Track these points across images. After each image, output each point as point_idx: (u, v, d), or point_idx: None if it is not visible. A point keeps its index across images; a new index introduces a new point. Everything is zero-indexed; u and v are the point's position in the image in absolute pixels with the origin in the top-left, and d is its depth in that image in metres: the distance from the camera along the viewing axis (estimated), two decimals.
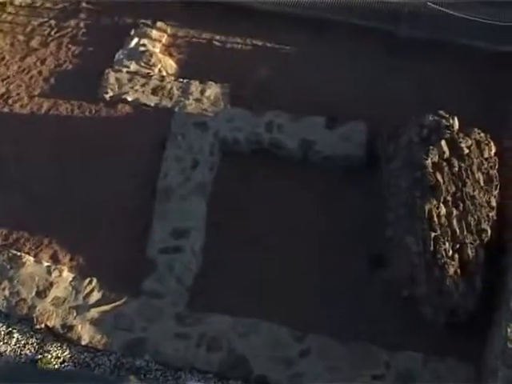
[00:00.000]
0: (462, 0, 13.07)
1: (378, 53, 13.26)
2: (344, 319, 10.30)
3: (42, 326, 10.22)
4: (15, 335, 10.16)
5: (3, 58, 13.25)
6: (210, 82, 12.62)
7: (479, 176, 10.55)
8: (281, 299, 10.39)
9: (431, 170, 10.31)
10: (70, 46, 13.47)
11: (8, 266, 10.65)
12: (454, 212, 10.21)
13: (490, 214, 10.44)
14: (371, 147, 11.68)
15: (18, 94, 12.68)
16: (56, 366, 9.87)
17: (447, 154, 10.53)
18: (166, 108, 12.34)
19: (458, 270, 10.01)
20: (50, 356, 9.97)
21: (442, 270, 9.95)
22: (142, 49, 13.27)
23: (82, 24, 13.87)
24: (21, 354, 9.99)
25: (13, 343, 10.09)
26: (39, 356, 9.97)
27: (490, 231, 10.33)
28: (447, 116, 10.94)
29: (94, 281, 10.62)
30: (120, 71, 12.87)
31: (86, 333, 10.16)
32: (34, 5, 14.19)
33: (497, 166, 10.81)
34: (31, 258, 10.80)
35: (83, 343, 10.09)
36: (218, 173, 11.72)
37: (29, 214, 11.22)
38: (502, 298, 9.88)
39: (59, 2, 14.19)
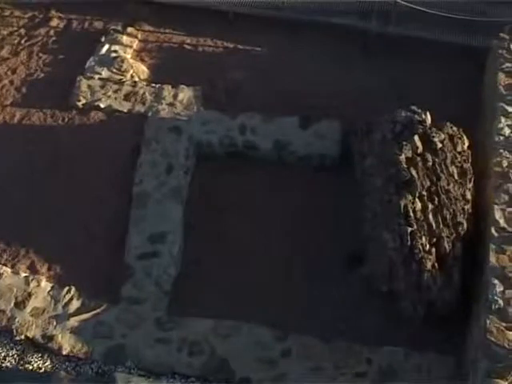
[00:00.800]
0: None
1: (351, 51, 13.38)
2: (324, 318, 10.33)
3: (22, 337, 10.15)
4: None
5: None
6: (183, 86, 12.62)
7: (453, 170, 10.61)
8: (260, 300, 10.40)
9: (405, 166, 10.36)
10: (40, 54, 13.42)
11: None
12: (430, 206, 10.26)
13: (466, 207, 10.50)
14: (345, 145, 11.72)
15: None
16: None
17: (421, 149, 10.58)
18: (139, 113, 12.32)
19: (436, 264, 10.07)
20: (31, 367, 9.90)
21: (419, 265, 10.00)
22: (113, 55, 13.25)
23: (52, 32, 13.82)
24: (1, 367, 9.90)
25: None
26: (20, 368, 9.90)
27: (465, 224, 10.39)
28: (419, 111, 11.00)
29: (73, 289, 10.57)
30: (92, 78, 12.84)
31: (66, 342, 10.11)
32: (2, 14, 14.14)
33: (470, 160, 10.88)
34: (8, 270, 10.73)
35: (64, 353, 10.04)
36: (193, 176, 11.73)
37: (4, 224, 11.14)
38: (480, 289, 9.94)
39: (28, 11, 14.15)
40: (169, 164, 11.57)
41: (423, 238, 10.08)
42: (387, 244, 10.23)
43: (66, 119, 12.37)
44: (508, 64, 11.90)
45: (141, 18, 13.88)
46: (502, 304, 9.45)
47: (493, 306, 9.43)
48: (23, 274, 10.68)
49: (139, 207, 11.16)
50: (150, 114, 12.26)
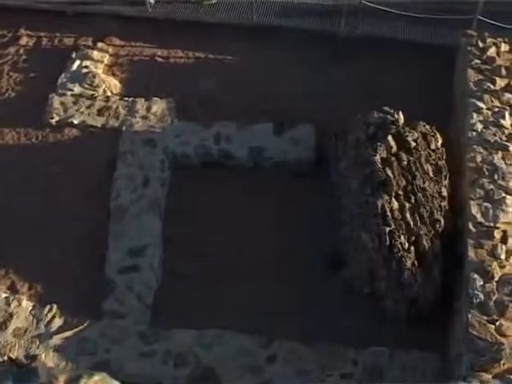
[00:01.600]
0: None
1: (321, 55, 13.43)
2: (308, 321, 10.34)
3: (5, 358, 10.07)
4: None
5: None
6: (156, 99, 12.63)
7: (428, 168, 10.68)
8: (243, 308, 10.41)
9: (380, 166, 10.42)
10: (11, 73, 13.39)
11: None
12: (407, 205, 10.32)
13: (442, 204, 10.57)
14: (320, 149, 11.77)
15: None
16: None
17: (395, 148, 10.65)
18: (113, 128, 12.32)
19: (416, 262, 10.12)
20: None
21: (399, 264, 10.05)
22: (84, 71, 13.24)
23: (21, 51, 13.79)
24: None
25: None
26: None
27: (443, 221, 10.47)
28: (392, 111, 11.07)
29: (55, 307, 10.51)
30: (64, 95, 12.82)
31: (50, 361, 10.05)
32: None
33: (444, 157, 10.95)
34: None
35: None
36: (170, 188, 11.73)
37: None
38: (461, 285, 10.02)
39: None
40: (145, 177, 11.57)
41: (402, 237, 10.14)
42: (366, 245, 10.28)
43: (40, 137, 12.35)
44: (477, 60, 12.01)
45: (111, 32, 13.88)
46: (482, 298, 9.55)
47: (474, 301, 9.54)
48: (3, 295, 10.60)
49: (117, 221, 11.14)
50: (124, 127, 12.25)
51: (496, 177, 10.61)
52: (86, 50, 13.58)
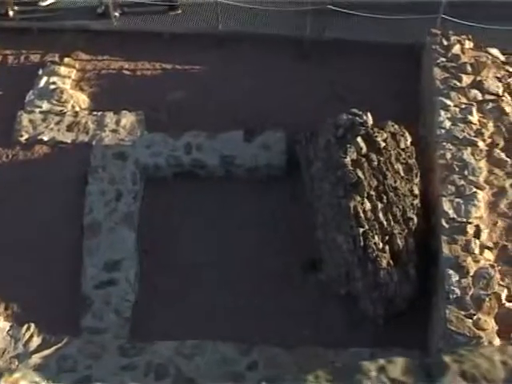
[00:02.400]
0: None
1: (289, 60, 13.45)
2: (287, 326, 10.35)
3: None
4: None
5: None
6: (125, 112, 12.60)
7: (398, 167, 10.74)
8: (221, 316, 10.42)
9: (351, 168, 10.46)
10: None
11: None
12: (379, 205, 10.37)
13: (414, 202, 10.64)
14: (291, 153, 11.81)
15: None
16: None
17: (365, 149, 10.69)
18: (83, 143, 12.26)
19: (391, 261, 10.17)
20: None
21: (374, 264, 10.09)
22: (52, 87, 13.17)
23: None
24: None
25: None
26: None
27: (416, 219, 10.53)
28: (360, 113, 11.10)
29: (32, 326, 10.39)
30: (33, 112, 12.75)
31: (30, 381, 9.94)
32: None
33: (414, 155, 11.02)
34: None
35: None
36: (143, 200, 11.72)
37: None
38: (437, 281, 10.09)
39: None
40: (117, 191, 11.54)
41: (376, 237, 10.18)
42: (341, 247, 10.32)
43: (10, 156, 12.28)
44: (442, 58, 12.13)
45: (77, 47, 13.83)
46: (459, 293, 9.62)
47: (450, 296, 9.60)
48: None
49: (92, 237, 11.10)
50: (94, 142, 12.21)
51: (466, 172, 10.71)
52: (52, 66, 13.51)
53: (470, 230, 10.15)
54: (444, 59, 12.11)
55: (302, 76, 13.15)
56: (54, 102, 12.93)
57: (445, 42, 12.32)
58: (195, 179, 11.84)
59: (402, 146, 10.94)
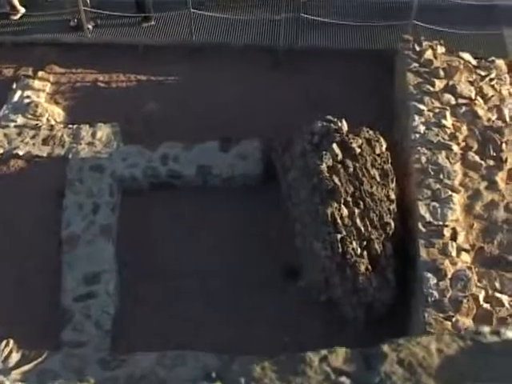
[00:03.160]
0: None
1: (262, 70, 13.52)
2: (268, 335, 10.36)
3: None
4: None
5: None
6: (100, 124, 12.56)
7: (374, 172, 10.82)
8: (202, 326, 10.42)
9: (327, 175, 10.52)
10: None
11: None
12: (356, 211, 10.43)
13: (391, 207, 10.71)
14: (268, 162, 11.85)
15: None
16: None
17: (340, 156, 10.76)
18: (59, 156, 12.20)
19: (369, 266, 10.23)
20: None
21: (353, 269, 10.15)
22: (26, 101, 13.13)
23: None
24: None
25: None
26: None
27: (393, 223, 10.61)
28: (335, 120, 11.18)
29: (11, 342, 10.29)
30: (7, 127, 12.69)
31: None
32: None
33: (390, 160, 11.10)
34: None
35: None
36: (120, 212, 11.69)
37: None
38: (415, 284, 10.16)
39: None
40: (95, 203, 11.51)
41: (354, 243, 10.24)
42: (320, 253, 10.35)
43: None
44: (415, 64, 12.23)
45: (51, 60, 13.80)
46: (437, 296, 9.71)
47: (429, 299, 9.69)
48: None
49: (70, 250, 11.04)
50: (70, 155, 12.15)
51: (441, 176, 10.80)
52: (26, 80, 13.48)
53: (447, 232, 10.25)
54: (417, 64, 12.22)
55: (277, 84, 13.23)
56: (29, 115, 12.89)
57: (417, 48, 12.43)
58: (172, 190, 11.84)
59: (378, 151, 11.02)
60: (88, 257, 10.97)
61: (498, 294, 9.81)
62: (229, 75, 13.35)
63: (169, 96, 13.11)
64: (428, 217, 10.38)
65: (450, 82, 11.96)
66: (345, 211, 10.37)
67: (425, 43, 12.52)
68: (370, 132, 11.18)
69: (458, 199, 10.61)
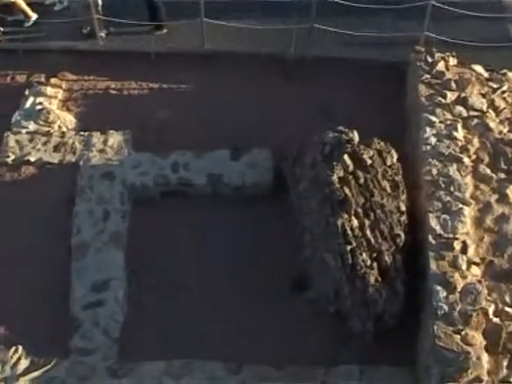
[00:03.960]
0: None
1: (274, 78, 13.47)
2: (275, 344, 10.36)
3: None
4: None
5: None
6: (112, 131, 12.57)
7: (385, 184, 10.79)
8: (210, 336, 10.41)
9: (338, 186, 10.51)
10: None
11: None
12: (366, 222, 10.42)
13: (401, 219, 10.68)
14: (278, 172, 11.84)
15: None
16: None
17: (351, 167, 10.75)
18: (70, 163, 12.23)
19: (379, 278, 10.20)
20: None
21: (363, 281, 10.13)
22: (38, 107, 13.15)
23: None
24: None
25: None
26: None
27: (403, 235, 10.57)
28: (346, 131, 11.18)
29: (20, 349, 10.39)
30: (19, 133, 12.71)
31: None
32: None
33: (401, 172, 11.07)
34: None
35: None
36: (131, 220, 11.69)
37: None
38: (425, 297, 10.12)
39: None
40: (105, 211, 11.53)
41: (363, 254, 10.22)
42: (329, 264, 10.34)
43: None
44: (427, 75, 12.22)
45: (63, 67, 13.81)
46: (446, 309, 9.67)
47: (438, 312, 9.66)
48: None
49: (80, 257, 11.07)
50: (81, 162, 12.18)
51: (452, 188, 10.77)
52: (39, 87, 13.49)
53: (457, 245, 10.22)
54: (429, 76, 12.20)
55: (288, 94, 13.19)
56: (41, 122, 12.91)
57: (429, 59, 12.42)
58: (183, 198, 11.84)
59: (389, 163, 11.00)
60: (97, 264, 10.99)
61: (507, 308, 9.78)
62: (240, 84, 13.31)
63: (180, 104, 13.09)
64: (438, 229, 10.35)
65: (462, 94, 11.93)
66: (355, 222, 10.35)
67: (437, 55, 12.50)
68: (382, 143, 11.17)
69: (469, 212, 10.58)
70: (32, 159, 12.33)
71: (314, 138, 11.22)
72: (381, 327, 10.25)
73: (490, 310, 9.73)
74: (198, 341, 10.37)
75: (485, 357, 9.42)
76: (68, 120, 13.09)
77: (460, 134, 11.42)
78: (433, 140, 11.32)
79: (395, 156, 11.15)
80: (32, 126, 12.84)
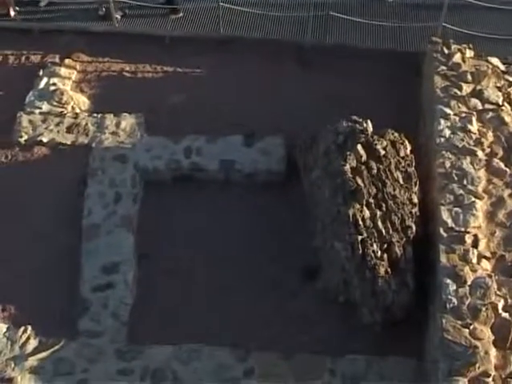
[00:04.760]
0: None
1: (288, 65, 13.45)
2: (284, 332, 10.38)
3: None
4: None
5: None
6: (125, 114, 12.58)
7: (398, 175, 10.75)
8: (219, 322, 10.44)
9: (351, 175, 10.46)
10: None
11: None
12: (378, 213, 10.38)
13: (413, 211, 10.64)
14: (291, 159, 11.82)
15: None
16: None
17: (364, 157, 10.70)
18: (83, 145, 12.25)
19: (389, 269, 10.18)
20: None
21: (372, 272, 10.10)
22: (52, 88, 13.13)
23: None
24: None
25: None
26: None
27: (414, 227, 10.53)
28: (360, 120, 11.12)
29: (29, 329, 10.44)
30: (32, 113, 12.72)
31: (26, 383, 9.96)
32: None
33: (414, 163, 11.03)
34: None
35: None
36: (142, 203, 11.70)
37: None
38: (434, 290, 10.11)
39: None
40: (116, 193, 11.55)
41: (374, 245, 10.20)
42: (339, 254, 10.32)
43: (9, 156, 12.27)
44: (443, 67, 12.11)
45: (78, 48, 13.79)
46: (456, 302, 9.64)
47: (447, 306, 9.63)
48: None
49: (90, 239, 11.10)
50: (93, 144, 12.20)
51: (465, 182, 10.72)
52: (53, 67, 13.47)
53: (468, 239, 10.18)
54: (444, 67, 12.09)
55: (303, 81, 13.15)
56: (54, 103, 12.90)
57: (445, 51, 12.31)
58: (194, 183, 11.85)
59: (402, 154, 10.95)
60: (107, 247, 11.01)
61: None
62: (255, 70, 13.27)
63: (194, 88, 13.06)
64: (450, 222, 10.31)
65: (478, 87, 11.85)
66: (367, 213, 10.32)
67: (453, 46, 12.40)
68: (395, 134, 11.10)
69: (481, 206, 10.54)
70: (45, 140, 12.35)
71: (327, 127, 11.16)
72: (390, 318, 10.24)
73: (500, 305, 9.69)
74: (206, 326, 10.39)
75: (493, 352, 9.38)
76: (81, 101, 13.08)
77: (474, 127, 11.35)
78: (447, 132, 11.25)
79: (409, 147, 11.09)
80: (45, 107, 12.84)
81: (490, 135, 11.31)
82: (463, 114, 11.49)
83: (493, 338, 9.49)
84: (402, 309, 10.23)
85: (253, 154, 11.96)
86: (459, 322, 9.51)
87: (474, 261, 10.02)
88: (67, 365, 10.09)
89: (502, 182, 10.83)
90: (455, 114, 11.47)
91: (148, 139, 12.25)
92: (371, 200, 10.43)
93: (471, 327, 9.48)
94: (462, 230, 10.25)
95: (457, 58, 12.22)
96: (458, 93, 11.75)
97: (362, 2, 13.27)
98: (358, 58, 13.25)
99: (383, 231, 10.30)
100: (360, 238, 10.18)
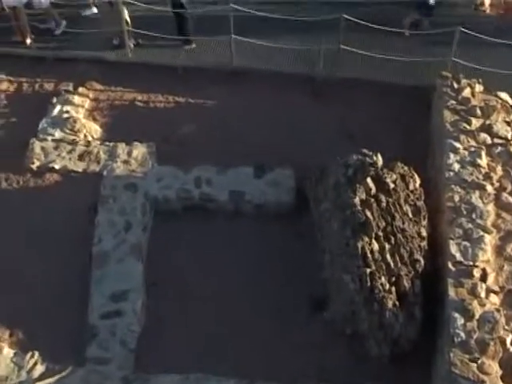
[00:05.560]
0: None
1: (300, 97, 13.54)
2: (291, 363, 10.37)
3: None
4: None
5: None
6: (136, 143, 12.70)
7: (407, 208, 10.80)
8: (225, 351, 10.45)
9: (360, 208, 10.52)
10: None
11: None
12: (387, 246, 10.42)
13: (422, 244, 10.68)
14: (300, 191, 11.88)
15: None
16: None
17: (374, 190, 10.77)
18: (94, 172, 12.36)
19: (397, 302, 10.19)
20: None
21: (380, 304, 10.12)
22: (65, 116, 13.29)
23: (2, 96, 13.86)
24: None
25: None
26: None
27: (423, 261, 10.56)
28: (370, 153, 11.20)
29: (36, 354, 10.46)
30: (45, 140, 12.86)
31: None
32: None
33: (423, 197, 11.08)
34: None
35: None
36: (151, 232, 11.78)
37: None
38: (442, 323, 10.10)
39: None
40: (127, 221, 11.62)
41: (382, 278, 10.22)
42: (348, 286, 10.34)
43: (21, 182, 12.38)
44: (452, 101, 12.24)
45: (91, 77, 13.97)
46: (463, 337, 9.64)
47: (455, 340, 9.63)
48: None
49: (99, 267, 11.15)
50: (105, 172, 12.30)
51: (474, 216, 10.77)
52: (66, 95, 13.65)
53: (477, 273, 10.19)
54: (454, 102, 12.22)
55: (313, 113, 13.27)
56: (67, 130, 13.04)
57: (455, 85, 12.44)
58: (204, 213, 11.92)
59: (411, 187, 11.01)
60: (117, 274, 11.06)
61: None
62: (266, 101, 13.39)
63: (205, 119, 13.20)
64: (458, 256, 10.33)
65: (487, 122, 11.95)
66: (375, 246, 10.36)
67: (463, 81, 12.52)
68: (405, 168, 11.17)
69: (490, 240, 10.56)
70: (56, 166, 12.46)
71: (337, 159, 11.24)
72: (397, 351, 10.22)
73: (508, 340, 9.68)
74: (213, 356, 10.40)
75: None
76: (94, 129, 13.21)
77: (484, 161, 11.42)
78: (456, 166, 11.32)
79: (418, 181, 11.16)
80: (58, 134, 12.98)
81: (499, 169, 11.38)
82: (472, 149, 11.57)
83: (501, 372, 9.46)
84: (410, 341, 10.22)
85: (263, 185, 12.04)
86: (467, 356, 9.50)
87: (483, 295, 10.02)
88: None
89: (510, 217, 10.87)
90: (464, 149, 11.56)
91: (159, 169, 12.36)
92: (380, 233, 10.47)
93: (479, 362, 9.47)
94: (471, 264, 10.28)
95: (466, 92, 12.33)
96: (468, 127, 11.85)
97: (373, 35, 13.37)
98: (368, 90, 13.35)
99: (392, 264, 10.34)
100: (368, 270, 10.22)
